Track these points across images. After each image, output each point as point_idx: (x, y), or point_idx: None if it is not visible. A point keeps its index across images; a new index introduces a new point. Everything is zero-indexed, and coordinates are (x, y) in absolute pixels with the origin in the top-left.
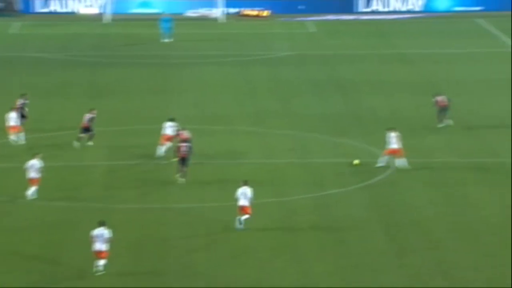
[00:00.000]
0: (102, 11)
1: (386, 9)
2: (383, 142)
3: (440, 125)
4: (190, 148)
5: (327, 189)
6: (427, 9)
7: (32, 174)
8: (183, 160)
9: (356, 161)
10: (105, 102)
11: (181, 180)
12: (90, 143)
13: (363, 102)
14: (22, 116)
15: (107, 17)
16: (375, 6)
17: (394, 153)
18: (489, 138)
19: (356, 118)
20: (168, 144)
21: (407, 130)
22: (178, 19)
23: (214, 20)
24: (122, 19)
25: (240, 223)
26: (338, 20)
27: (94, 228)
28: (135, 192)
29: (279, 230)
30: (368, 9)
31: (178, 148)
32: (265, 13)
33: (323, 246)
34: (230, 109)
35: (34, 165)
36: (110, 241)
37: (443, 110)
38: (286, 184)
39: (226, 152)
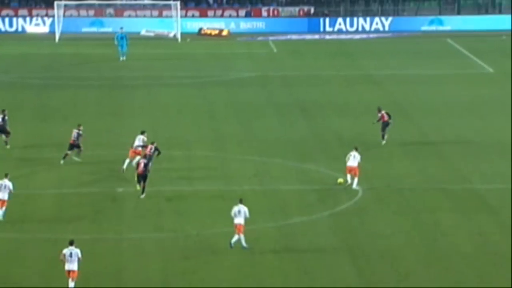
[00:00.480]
0: (51, 30)
1: (352, 29)
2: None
3: (384, 142)
4: (147, 164)
5: (291, 218)
6: (394, 29)
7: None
8: (140, 177)
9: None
10: (54, 126)
11: (141, 196)
12: (78, 159)
13: (328, 126)
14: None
15: (57, 36)
16: (340, 25)
17: (351, 171)
18: (458, 163)
19: (321, 142)
20: (137, 158)
21: (374, 154)
22: (133, 38)
23: (171, 39)
24: (73, 39)
25: (231, 246)
26: (301, 40)
27: (41, 261)
28: (87, 222)
29: (241, 260)
30: (333, 29)
31: (138, 164)
32: (225, 32)
33: (287, 276)
34: (188, 133)
35: (7, 185)
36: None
37: (385, 126)
38: (248, 212)
39: (184, 178)
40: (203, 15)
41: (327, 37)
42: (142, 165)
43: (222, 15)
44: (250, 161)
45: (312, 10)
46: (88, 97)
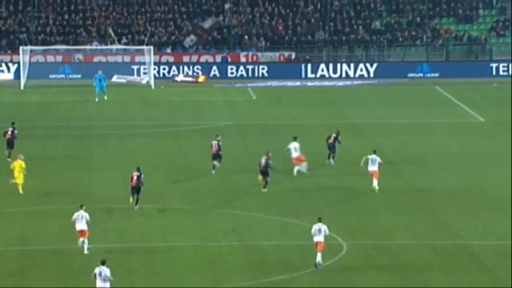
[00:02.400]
0: (16, 77)
1: (335, 75)
2: (335, 222)
3: (328, 162)
4: (139, 177)
5: (271, 275)
6: (380, 76)
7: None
8: (134, 189)
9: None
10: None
11: (135, 207)
12: None
13: (312, 178)
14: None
15: (22, 83)
16: (323, 71)
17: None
18: (448, 217)
19: (303, 194)
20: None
21: (360, 207)
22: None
23: (144, 86)
24: (40, 86)
25: (319, 265)
26: (282, 86)
27: None
28: (53, 283)
29: None
30: (315, 75)
31: (131, 177)
32: (201, 78)
33: None
34: (162, 186)
35: (84, 216)
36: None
37: (332, 148)
38: (226, 270)
39: (158, 234)
40: (178, 60)
41: (309, 83)
42: (135, 177)
43: (198, 61)
44: (228, 215)
45: (293, 56)
46: (55, 147)
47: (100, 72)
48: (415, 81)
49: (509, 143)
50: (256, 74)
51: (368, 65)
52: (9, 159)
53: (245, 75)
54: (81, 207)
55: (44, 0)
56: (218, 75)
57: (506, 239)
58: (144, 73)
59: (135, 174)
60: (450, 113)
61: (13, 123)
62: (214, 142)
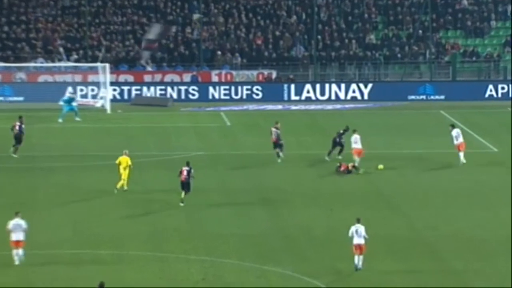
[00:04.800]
0: None
1: (323, 97)
2: (320, 270)
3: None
4: (189, 171)
5: None
6: (375, 98)
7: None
8: (183, 184)
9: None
10: None
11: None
12: None
13: (295, 218)
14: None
15: None
16: (309, 93)
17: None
18: (456, 264)
19: (286, 238)
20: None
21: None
22: (49, 110)
23: (98, 110)
24: None
25: (358, 266)
26: (261, 110)
27: None
28: None
29: None
30: (300, 97)
31: (181, 172)
32: (166, 101)
33: None
34: (119, 228)
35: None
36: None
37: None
38: None
39: (114, 284)
40: (139, 80)
41: (293, 107)
42: (185, 172)
43: (162, 80)
44: (197, 261)
45: (274, 75)
46: None
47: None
48: (417, 104)
49: None
50: (230, 96)
51: (361, 85)
52: (14, 155)
53: (217, 97)
54: (16, 214)
55: None
56: (185, 97)
57: None
58: (100, 98)
59: (185, 169)
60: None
61: (20, 117)
62: (274, 130)
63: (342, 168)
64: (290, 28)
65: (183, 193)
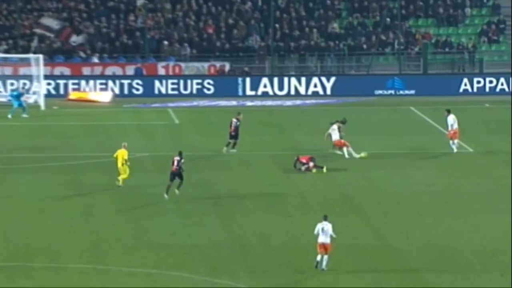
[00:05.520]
0: None
1: (281, 92)
2: (279, 284)
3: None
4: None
5: None
6: (339, 93)
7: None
8: (173, 174)
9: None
10: None
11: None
12: None
13: (252, 226)
14: None
15: None
16: (266, 88)
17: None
18: (429, 277)
19: (241, 248)
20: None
21: (311, 265)
22: None
23: (32, 106)
24: None
25: (321, 266)
26: (213, 107)
27: None
28: None
29: None
30: (256, 92)
31: (172, 161)
32: (107, 96)
33: None
34: (56, 239)
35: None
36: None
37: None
38: None
39: None
40: (76, 73)
41: (248, 103)
42: (175, 162)
43: (102, 73)
44: (142, 274)
45: (228, 67)
46: None
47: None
48: (385, 100)
49: (505, 180)
50: (179, 91)
51: (324, 79)
52: None
53: (164, 92)
54: None
55: None
56: (129, 92)
57: None
58: (33, 93)
59: (176, 158)
60: (429, 141)
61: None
62: (234, 121)
63: (303, 160)
64: (244, 15)
65: (169, 184)
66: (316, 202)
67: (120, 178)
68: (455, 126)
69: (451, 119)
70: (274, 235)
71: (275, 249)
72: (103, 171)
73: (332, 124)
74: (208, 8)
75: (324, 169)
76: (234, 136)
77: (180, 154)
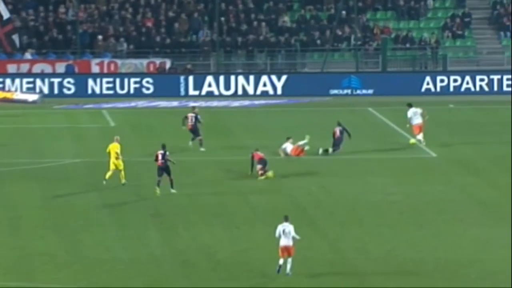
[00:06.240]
0: None
1: (227, 92)
2: None
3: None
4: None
5: None
6: (290, 93)
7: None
8: (161, 169)
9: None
10: None
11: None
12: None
13: (195, 240)
14: None
15: None
16: (211, 87)
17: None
18: None
19: (184, 264)
20: None
21: (270, 281)
22: None
23: None
24: None
25: (286, 270)
26: (152, 108)
27: None
28: None
29: None
30: (200, 92)
31: (156, 156)
32: (34, 96)
33: None
34: None
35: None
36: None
37: (193, 132)
38: None
39: None
40: (0, 70)
41: (191, 104)
42: (160, 156)
43: (29, 71)
44: None
45: (168, 64)
46: None
47: None
48: (340, 100)
49: (471, 187)
50: (114, 91)
51: (274, 77)
52: None
53: (98, 91)
54: None
55: None
56: (59, 91)
57: None
58: None
59: (160, 152)
60: (389, 145)
61: None
62: (190, 115)
63: (256, 158)
64: (187, 7)
65: (159, 179)
66: (265, 212)
67: (121, 174)
68: (418, 120)
69: (410, 112)
70: (220, 249)
71: (220, 264)
72: (31, 180)
73: (287, 140)
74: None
75: (270, 173)
76: (194, 132)
77: (163, 147)
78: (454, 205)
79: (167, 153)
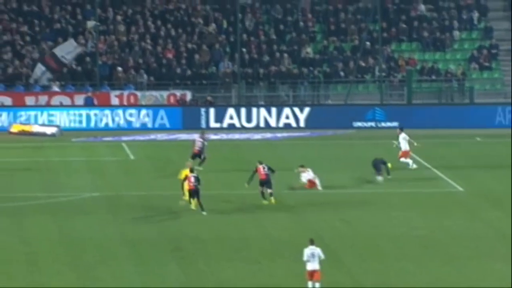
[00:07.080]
0: None
1: (249, 125)
2: None
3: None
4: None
5: None
6: (314, 125)
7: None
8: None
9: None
10: None
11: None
12: None
13: (214, 273)
14: None
15: None
16: (232, 119)
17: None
18: None
19: None
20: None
21: None
22: None
23: None
24: None
25: None
26: (172, 141)
27: None
28: None
29: None
30: (221, 124)
31: (188, 178)
32: (53, 129)
33: None
34: None
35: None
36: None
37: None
38: None
39: None
40: (19, 103)
41: (212, 136)
42: (192, 179)
43: (48, 103)
44: None
45: (189, 96)
46: None
47: None
48: (364, 132)
49: (498, 222)
50: (134, 124)
51: (296, 110)
52: None
53: (118, 124)
54: None
55: None
56: (78, 124)
57: None
58: None
59: (192, 175)
60: (415, 180)
61: None
62: (198, 140)
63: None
64: (208, 38)
65: (193, 202)
66: (286, 246)
67: (193, 202)
68: (405, 146)
69: (401, 137)
70: (241, 285)
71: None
72: (47, 214)
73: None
74: (167, 31)
75: (273, 200)
76: (198, 155)
77: (192, 170)
78: (480, 240)
79: (198, 176)
